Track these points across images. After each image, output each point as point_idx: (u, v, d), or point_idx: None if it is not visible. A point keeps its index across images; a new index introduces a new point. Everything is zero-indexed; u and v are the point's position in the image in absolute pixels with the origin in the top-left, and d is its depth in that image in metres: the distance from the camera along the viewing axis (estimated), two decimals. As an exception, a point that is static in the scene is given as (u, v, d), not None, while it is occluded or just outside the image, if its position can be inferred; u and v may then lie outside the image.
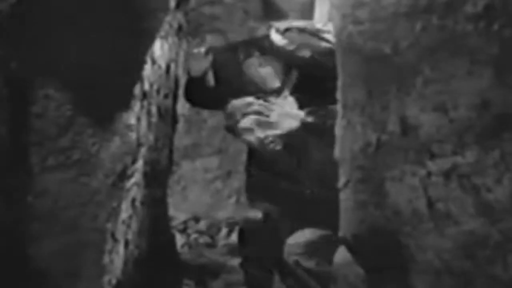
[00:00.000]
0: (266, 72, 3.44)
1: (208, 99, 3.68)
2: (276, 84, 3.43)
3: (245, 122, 3.40)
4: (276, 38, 3.38)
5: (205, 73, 3.57)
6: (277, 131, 3.36)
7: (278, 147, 3.38)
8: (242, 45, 3.67)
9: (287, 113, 3.39)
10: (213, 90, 3.61)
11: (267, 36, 3.48)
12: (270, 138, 3.36)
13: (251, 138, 3.41)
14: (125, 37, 2.51)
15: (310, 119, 3.33)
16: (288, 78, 3.47)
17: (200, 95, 3.66)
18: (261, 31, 3.69)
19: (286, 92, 3.46)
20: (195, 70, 3.57)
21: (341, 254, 3.04)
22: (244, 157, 3.84)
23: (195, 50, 3.63)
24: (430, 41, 1.74)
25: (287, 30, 3.36)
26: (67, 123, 2.44)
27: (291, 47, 3.32)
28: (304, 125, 3.33)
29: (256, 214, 3.47)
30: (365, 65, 1.98)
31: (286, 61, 3.42)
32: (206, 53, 3.59)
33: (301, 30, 3.34)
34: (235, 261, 4.90)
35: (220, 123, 6.07)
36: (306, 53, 3.28)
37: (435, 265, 1.78)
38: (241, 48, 3.62)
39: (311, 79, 3.36)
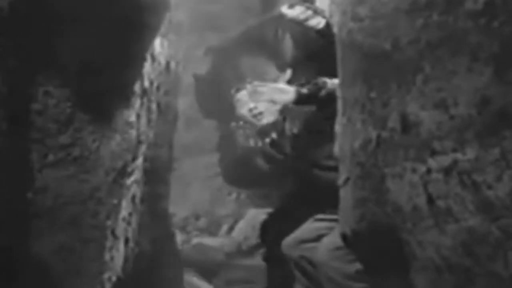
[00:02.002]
0: (256, 109, 3.44)
1: None
2: (267, 121, 3.44)
3: (240, 94, 3.43)
4: (288, 11, 3.40)
5: None
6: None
7: (265, 121, 3.41)
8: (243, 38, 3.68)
9: (280, 89, 3.39)
10: None
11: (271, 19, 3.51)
12: (258, 110, 3.38)
13: (243, 110, 3.43)
14: (125, 34, 2.51)
15: (303, 90, 3.33)
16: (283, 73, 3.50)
17: None
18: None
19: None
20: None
21: (322, 250, 3.06)
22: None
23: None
24: (431, 38, 1.74)
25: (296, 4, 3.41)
26: (67, 120, 2.44)
27: (303, 16, 3.35)
28: (299, 96, 3.34)
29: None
30: (366, 62, 1.98)
31: (295, 34, 3.43)
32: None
33: (309, 7, 3.39)
34: (235, 258, 4.92)
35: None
36: (318, 21, 3.31)
37: (435, 262, 1.78)
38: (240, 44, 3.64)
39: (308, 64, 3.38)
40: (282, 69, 3.52)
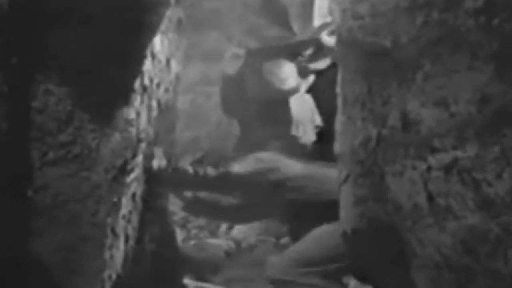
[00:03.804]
0: (286, 72, 3.58)
1: None
2: (295, 83, 3.57)
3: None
4: (328, 40, 3.54)
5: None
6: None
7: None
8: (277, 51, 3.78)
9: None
10: None
11: (304, 42, 3.64)
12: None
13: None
14: (125, 32, 2.51)
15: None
16: (305, 79, 3.59)
17: None
18: (295, 38, 3.81)
19: (302, 91, 3.58)
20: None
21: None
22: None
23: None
24: (431, 36, 1.74)
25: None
26: (67, 118, 2.44)
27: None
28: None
29: None
30: (366, 60, 1.98)
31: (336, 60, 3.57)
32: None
33: None
34: (235, 256, 4.92)
35: (221, 118, 6.08)
36: None
37: (435, 260, 1.79)
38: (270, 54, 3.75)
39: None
40: (304, 76, 3.62)
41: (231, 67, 3.72)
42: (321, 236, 3.23)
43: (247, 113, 3.86)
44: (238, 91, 3.71)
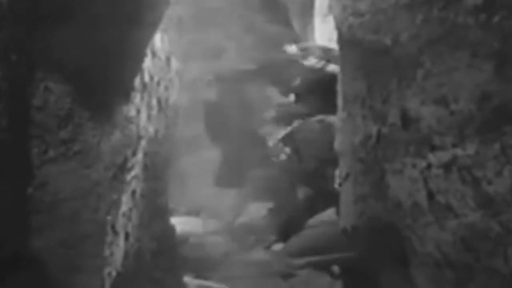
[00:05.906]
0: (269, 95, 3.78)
1: None
2: None
3: None
4: (305, 61, 3.69)
5: None
6: None
7: None
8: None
9: None
10: None
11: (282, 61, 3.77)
12: None
13: None
14: (125, 30, 2.51)
15: None
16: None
17: None
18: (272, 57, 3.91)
19: None
20: None
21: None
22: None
23: None
24: (431, 33, 1.74)
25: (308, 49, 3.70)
26: (67, 116, 2.44)
27: (319, 65, 3.59)
28: None
29: None
30: (366, 57, 1.98)
31: (315, 77, 3.68)
32: None
33: (325, 49, 3.64)
34: (234, 254, 4.93)
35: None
36: (333, 68, 3.57)
37: (435, 257, 1.79)
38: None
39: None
40: (285, 94, 3.73)
41: (210, 94, 3.86)
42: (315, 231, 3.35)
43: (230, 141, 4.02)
44: (221, 118, 3.85)
